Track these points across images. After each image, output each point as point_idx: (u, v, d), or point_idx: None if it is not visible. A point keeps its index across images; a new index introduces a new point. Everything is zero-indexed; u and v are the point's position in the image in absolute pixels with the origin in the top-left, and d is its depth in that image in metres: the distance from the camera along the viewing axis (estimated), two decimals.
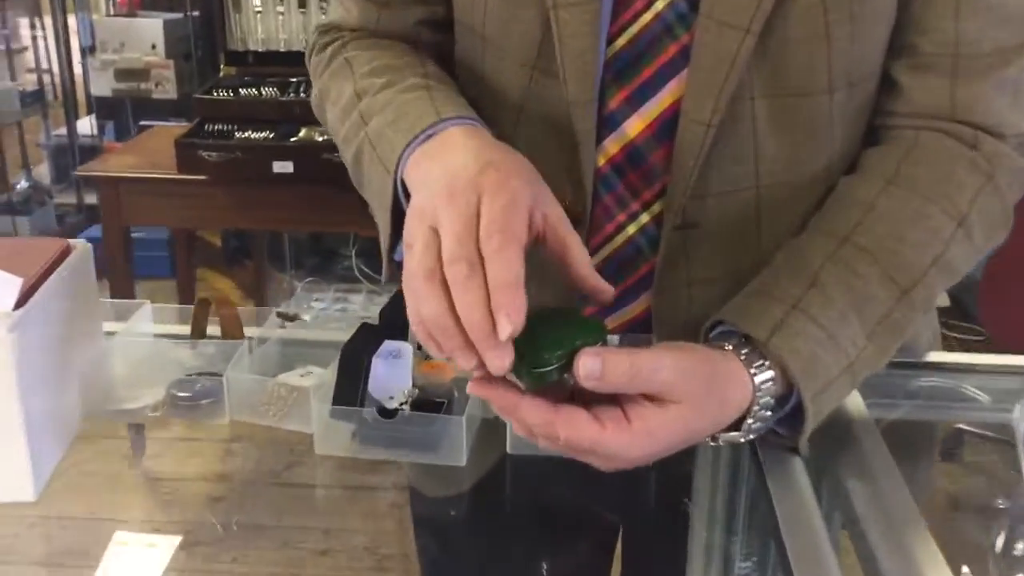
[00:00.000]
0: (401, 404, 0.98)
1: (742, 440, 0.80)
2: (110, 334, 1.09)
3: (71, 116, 4.71)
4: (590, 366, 0.66)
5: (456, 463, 0.95)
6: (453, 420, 0.94)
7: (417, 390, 0.99)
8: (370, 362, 0.96)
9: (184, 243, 3.39)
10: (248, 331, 1.13)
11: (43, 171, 4.88)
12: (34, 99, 4.75)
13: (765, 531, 0.92)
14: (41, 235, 4.48)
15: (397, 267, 0.86)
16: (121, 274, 2.98)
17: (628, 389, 0.68)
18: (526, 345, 0.65)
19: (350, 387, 0.96)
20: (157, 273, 4.02)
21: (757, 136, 0.85)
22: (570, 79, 0.84)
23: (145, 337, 1.13)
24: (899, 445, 1.00)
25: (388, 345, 0.99)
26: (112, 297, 3.11)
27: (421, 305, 0.66)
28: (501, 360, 0.64)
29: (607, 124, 0.87)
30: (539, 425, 0.68)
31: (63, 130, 4.77)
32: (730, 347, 0.78)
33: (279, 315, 3.43)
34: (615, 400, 0.69)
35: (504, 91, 0.92)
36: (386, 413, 0.96)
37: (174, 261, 3.63)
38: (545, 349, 0.67)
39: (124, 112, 4.63)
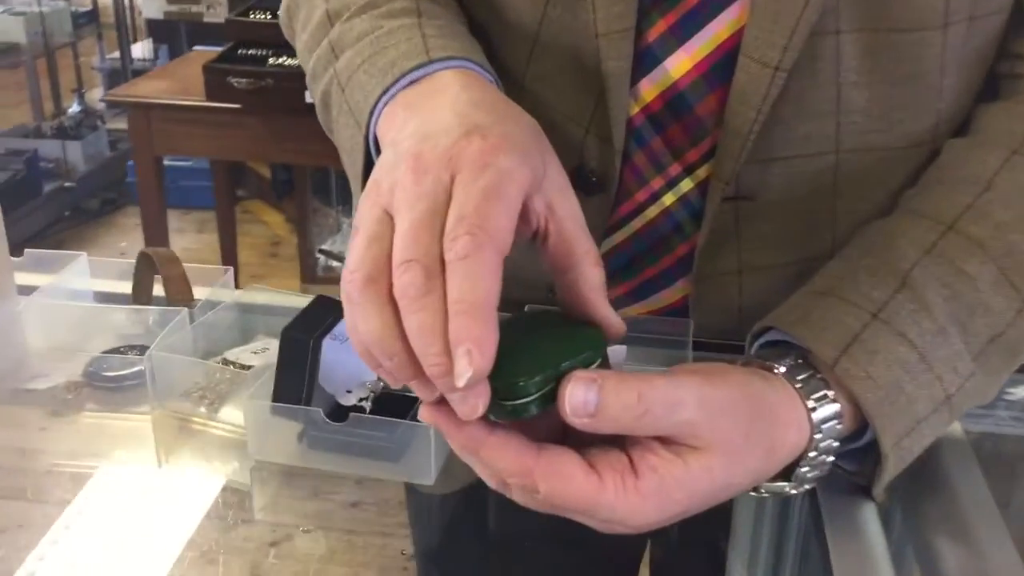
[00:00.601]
0: (361, 400, 0.78)
1: (792, 492, 0.58)
2: (29, 288, 0.90)
3: (124, 39, 4.56)
4: (580, 399, 0.48)
5: (422, 480, 0.75)
6: (419, 429, 0.73)
7: (383, 383, 0.79)
8: (319, 346, 0.76)
9: (222, 174, 3.23)
10: (202, 292, 0.94)
11: (96, 95, 4.76)
12: (88, 20, 4.62)
13: None
14: (93, 161, 4.37)
15: None
16: (153, 205, 2.83)
17: (636, 431, 0.50)
18: (495, 365, 0.47)
19: (294, 378, 0.75)
20: (202, 204, 3.88)
21: (841, 84, 0.67)
22: (599, 1, 0.67)
23: (79, 298, 0.95)
24: (996, 469, 0.78)
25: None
26: (145, 230, 2.97)
27: (358, 319, 0.48)
28: (469, 406, 0.46)
29: (643, 62, 0.69)
30: (512, 473, 0.50)
31: (118, 53, 4.63)
32: (782, 368, 0.57)
33: (322, 252, 3.26)
34: (620, 440, 0.52)
35: (516, 16, 0.74)
36: (337, 414, 0.76)
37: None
38: (520, 372, 0.49)
39: (179, 36, 4.47)
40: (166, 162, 4.09)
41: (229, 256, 3.20)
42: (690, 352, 0.80)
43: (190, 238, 4.03)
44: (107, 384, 0.84)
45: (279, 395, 0.75)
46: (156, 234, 2.85)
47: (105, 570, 0.80)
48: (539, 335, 0.52)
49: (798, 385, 0.57)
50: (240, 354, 0.88)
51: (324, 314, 0.78)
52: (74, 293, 0.94)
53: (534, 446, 0.49)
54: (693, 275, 0.78)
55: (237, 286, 0.97)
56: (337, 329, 0.78)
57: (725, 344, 0.84)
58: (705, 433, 0.51)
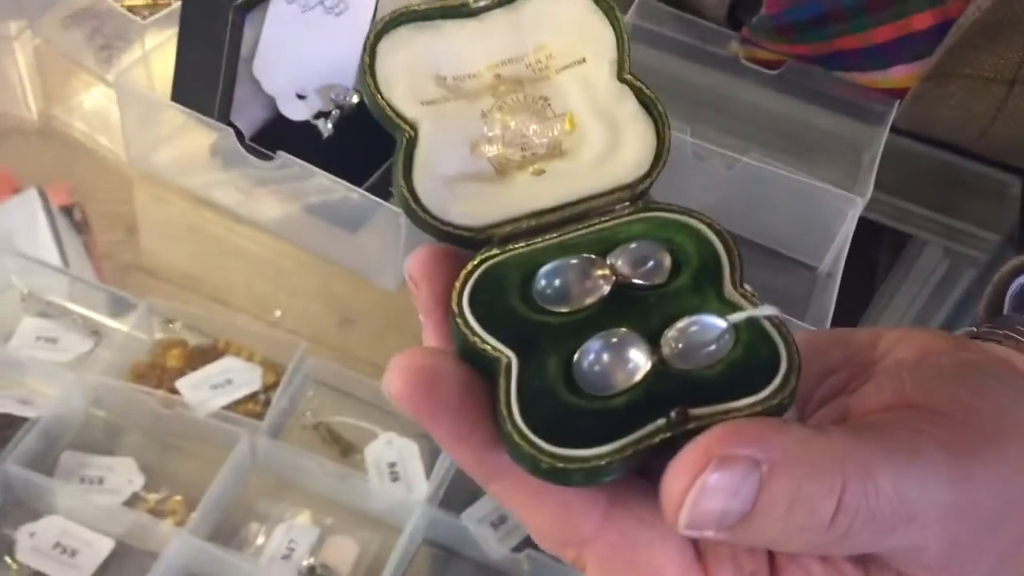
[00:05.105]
0: (318, 117, 0.46)
1: None
2: None
3: None
4: (719, 502, 0.22)
5: (382, 284, 0.45)
6: (381, 208, 0.43)
7: (358, 93, 0.47)
8: (244, 18, 0.43)
9: None
10: None
11: None
12: None
13: None
14: None
15: None
16: None
17: (814, 553, 0.25)
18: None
19: (201, 63, 0.43)
20: None
21: None
22: None
23: None
24: None
25: None
26: None
27: None
28: None
29: None
30: (551, 539, 0.25)
31: None
32: None
33: None
34: None
35: None
36: (273, 133, 0.45)
37: None
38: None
39: None
40: None
41: None
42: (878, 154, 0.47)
43: None
44: None
45: (179, 89, 0.44)
46: None
47: None
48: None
49: None
50: None
51: None
52: None
53: (600, 498, 0.25)
54: None
55: None
56: None
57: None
58: (933, 563, 0.24)
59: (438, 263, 0.26)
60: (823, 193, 0.44)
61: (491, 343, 0.24)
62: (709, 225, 0.27)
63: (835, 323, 0.43)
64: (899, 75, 0.48)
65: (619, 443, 0.23)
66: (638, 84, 0.29)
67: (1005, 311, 0.34)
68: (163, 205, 0.51)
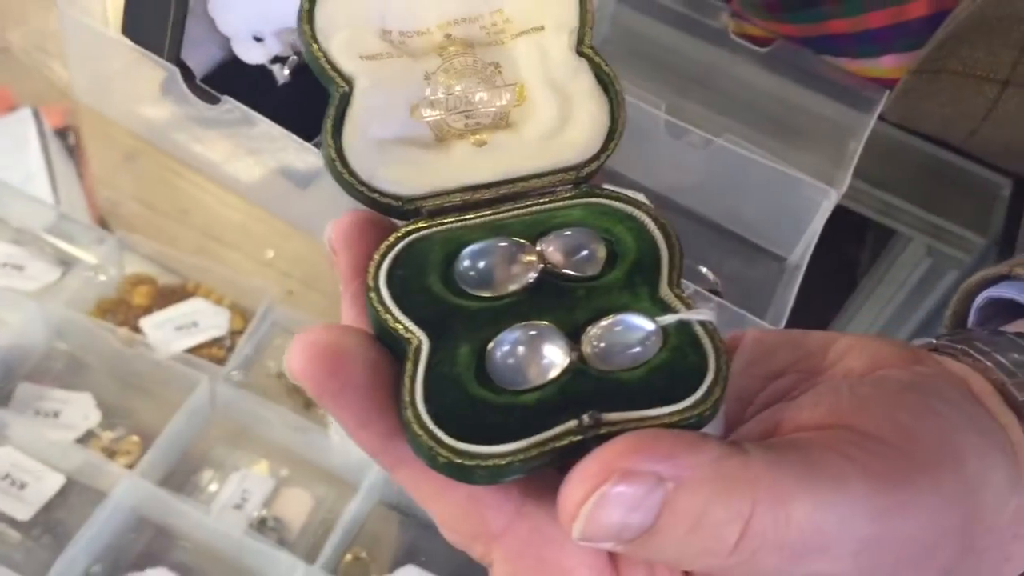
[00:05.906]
0: (275, 62, 0.44)
1: None
2: None
3: None
4: (617, 515, 0.20)
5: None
6: None
7: None
8: None
9: None
10: None
11: None
12: None
13: None
14: None
15: None
16: None
17: (716, 573, 0.22)
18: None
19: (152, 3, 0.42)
20: None
21: None
22: None
23: None
24: None
25: None
26: None
27: None
28: None
29: None
30: (454, 530, 0.24)
31: None
32: None
33: None
34: None
35: None
36: (225, 76, 0.43)
37: None
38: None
39: None
40: None
41: None
42: (861, 143, 0.44)
43: None
44: None
45: (129, 22, 0.42)
46: None
47: None
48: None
49: None
50: None
51: None
52: None
53: (513, 491, 0.23)
54: None
55: None
56: None
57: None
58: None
59: (361, 231, 0.25)
60: (797, 182, 0.42)
61: (403, 322, 0.22)
62: (654, 219, 0.25)
63: (811, 317, 0.41)
64: (890, 65, 0.45)
65: (524, 443, 0.21)
66: (597, 59, 0.27)
67: (969, 324, 0.32)
68: (113, 141, 0.49)
